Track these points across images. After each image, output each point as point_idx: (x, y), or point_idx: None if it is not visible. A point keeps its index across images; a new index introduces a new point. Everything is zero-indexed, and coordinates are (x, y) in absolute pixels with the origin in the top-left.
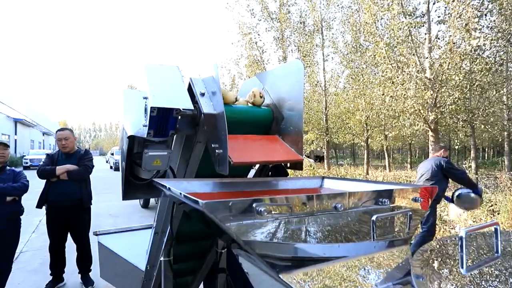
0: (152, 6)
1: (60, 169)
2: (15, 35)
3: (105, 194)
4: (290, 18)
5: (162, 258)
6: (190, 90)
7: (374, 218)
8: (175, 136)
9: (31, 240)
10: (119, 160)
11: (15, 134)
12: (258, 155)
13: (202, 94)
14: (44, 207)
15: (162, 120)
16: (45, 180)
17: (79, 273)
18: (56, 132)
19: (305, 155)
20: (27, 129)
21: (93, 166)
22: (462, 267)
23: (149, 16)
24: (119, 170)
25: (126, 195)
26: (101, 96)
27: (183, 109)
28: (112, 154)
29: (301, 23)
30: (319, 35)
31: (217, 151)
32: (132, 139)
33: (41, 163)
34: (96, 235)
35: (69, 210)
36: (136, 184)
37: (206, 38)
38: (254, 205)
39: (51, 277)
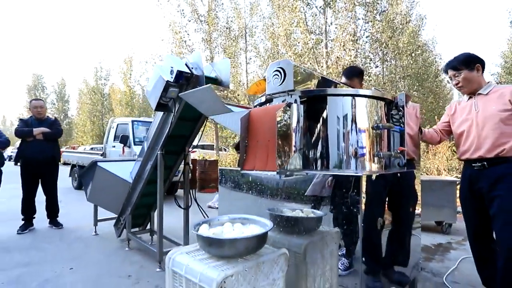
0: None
1: (37, 130)
2: None
3: None
4: (218, 23)
5: (158, 152)
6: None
7: None
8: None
9: None
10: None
11: None
12: None
13: (192, 68)
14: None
15: (178, 75)
16: (20, 140)
17: (48, 218)
18: (31, 101)
19: (232, 147)
20: None
21: (62, 130)
22: None
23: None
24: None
25: (157, 108)
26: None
27: (186, 72)
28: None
29: (227, 28)
30: (243, 40)
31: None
32: (167, 82)
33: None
34: (96, 162)
35: (42, 165)
36: (162, 105)
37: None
38: None
39: (22, 222)
